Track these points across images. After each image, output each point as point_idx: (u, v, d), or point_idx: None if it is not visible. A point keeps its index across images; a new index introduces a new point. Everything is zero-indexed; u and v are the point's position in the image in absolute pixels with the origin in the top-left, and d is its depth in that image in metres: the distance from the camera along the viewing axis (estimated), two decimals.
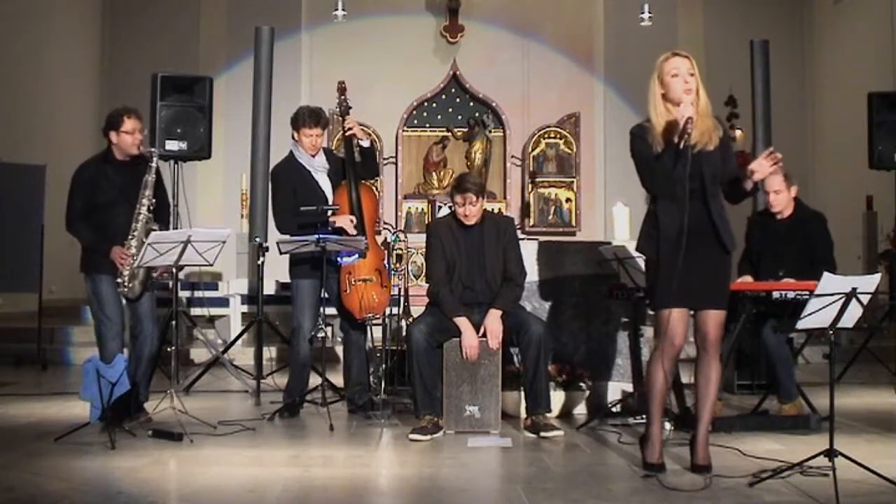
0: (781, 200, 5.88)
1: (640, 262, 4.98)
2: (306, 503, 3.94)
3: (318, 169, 6.00)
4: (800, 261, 5.70)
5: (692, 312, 4.34)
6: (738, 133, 11.29)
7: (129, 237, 5.38)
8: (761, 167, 4.19)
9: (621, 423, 5.43)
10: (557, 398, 5.74)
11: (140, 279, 5.43)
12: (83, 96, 11.93)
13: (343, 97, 6.10)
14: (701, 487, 4.01)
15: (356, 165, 6.01)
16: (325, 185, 6.00)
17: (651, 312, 5.91)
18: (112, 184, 5.47)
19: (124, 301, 5.53)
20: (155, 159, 5.50)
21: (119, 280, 5.38)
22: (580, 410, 5.89)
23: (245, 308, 8.93)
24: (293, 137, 6.01)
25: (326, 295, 5.79)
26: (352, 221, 5.86)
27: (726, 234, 4.29)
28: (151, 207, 5.47)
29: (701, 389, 4.36)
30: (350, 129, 5.97)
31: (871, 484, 3.98)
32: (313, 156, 5.98)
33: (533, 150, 11.64)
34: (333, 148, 9.62)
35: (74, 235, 5.54)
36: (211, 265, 5.58)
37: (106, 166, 5.52)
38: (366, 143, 6.05)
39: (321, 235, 5.57)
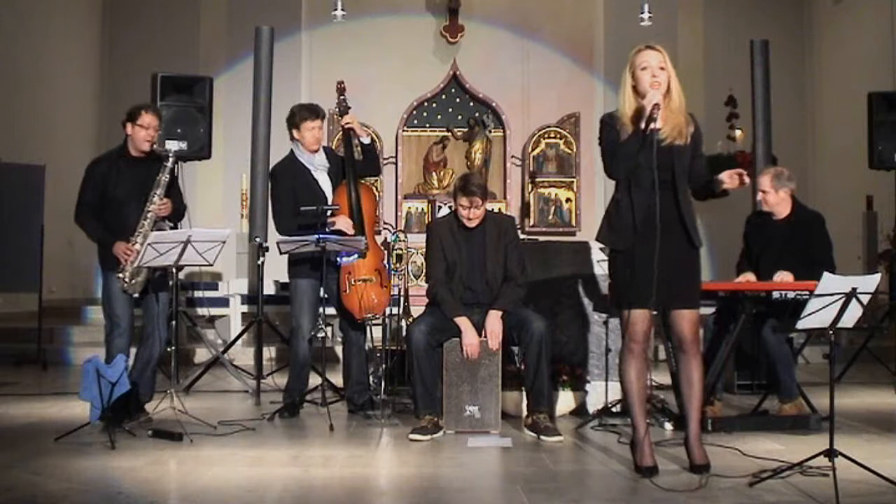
0: (769, 200, 5.89)
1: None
2: (306, 503, 3.94)
3: (318, 167, 6.01)
4: (799, 261, 5.70)
5: (654, 312, 4.33)
6: (738, 133, 11.29)
7: (136, 234, 5.39)
8: (730, 179, 4.21)
9: (621, 423, 5.43)
10: (557, 398, 5.75)
11: (143, 275, 5.43)
12: (83, 96, 11.92)
13: (342, 97, 6.10)
14: (696, 487, 4.01)
15: (356, 164, 6.01)
16: (325, 183, 6.01)
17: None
18: (124, 180, 5.48)
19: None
20: (171, 159, 5.49)
21: (120, 275, 5.39)
22: (580, 410, 5.89)
23: (245, 308, 8.93)
24: (292, 138, 6.02)
25: (325, 295, 5.80)
26: (352, 226, 5.85)
27: (693, 228, 4.28)
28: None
29: (685, 391, 4.35)
30: (348, 123, 5.97)
31: (871, 484, 3.98)
32: (315, 151, 5.98)
33: (533, 150, 11.63)
34: (334, 148, 9.61)
35: (81, 228, 5.55)
36: (211, 265, 5.59)
37: (120, 161, 5.54)
38: (366, 140, 6.05)
39: (321, 236, 5.57)
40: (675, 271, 4.20)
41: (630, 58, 4.28)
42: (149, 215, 5.41)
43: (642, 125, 4.14)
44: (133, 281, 5.41)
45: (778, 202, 5.89)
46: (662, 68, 4.21)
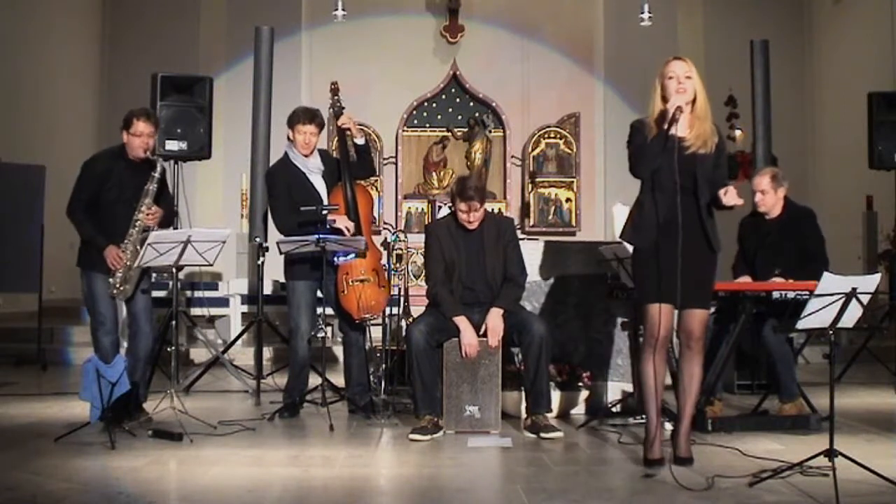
0: (767, 201, 5.90)
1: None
2: (306, 503, 3.94)
3: (313, 170, 6.00)
4: (793, 258, 5.72)
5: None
6: (738, 133, 11.29)
7: (126, 241, 5.38)
8: (728, 195, 4.32)
9: (621, 423, 5.43)
10: (557, 398, 5.75)
11: (133, 282, 5.42)
12: (83, 96, 11.93)
13: (336, 98, 6.09)
14: (703, 488, 4.01)
15: (351, 165, 6.00)
16: (320, 186, 6.00)
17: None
18: (120, 181, 5.46)
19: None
20: (159, 168, 5.46)
21: (111, 280, 5.38)
22: (580, 410, 5.90)
23: (245, 308, 8.93)
24: (288, 138, 6.03)
25: (322, 295, 5.80)
26: (349, 230, 5.85)
27: (713, 233, 4.44)
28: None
29: (685, 386, 4.50)
30: (344, 124, 5.96)
31: (871, 484, 3.98)
32: (307, 155, 5.98)
33: (533, 150, 11.63)
34: (332, 149, 9.61)
35: (73, 224, 5.52)
36: (211, 265, 5.58)
37: (118, 163, 5.51)
38: (360, 141, 6.03)
39: (321, 235, 5.57)
40: (693, 272, 4.33)
41: (661, 69, 4.45)
42: (137, 224, 5.40)
43: (665, 126, 4.29)
44: (123, 287, 5.40)
45: (775, 202, 5.91)
46: (689, 77, 4.39)
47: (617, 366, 6.03)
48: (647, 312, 4.38)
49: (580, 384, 5.90)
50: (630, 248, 4.65)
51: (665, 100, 4.38)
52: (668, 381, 4.68)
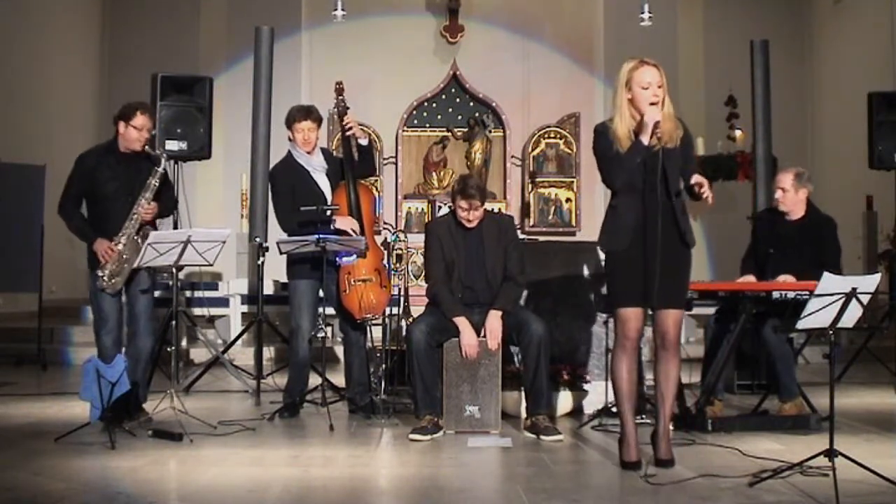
0: (787, 200, 5.84)
1: None
2: (306, 503, 3.94)
3: (317, 168, 6.01)
4: (807, 264, 5.62)
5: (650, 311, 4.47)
6: (738, 133, 11.28)
7: (120, 234, 5.37)
8: (703, 189, 4.35)
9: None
10: (557, 398, 5.75)
11: (124, 275, 5.41)
12: (83, 96, 11.92)
13: (341, 97, 6.09)
14: (674, 481, 4.01)
15: (355, 165, 6.00)
16: (324, 184, 6.01)
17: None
18: (113, 175, 5.45)
19: (124, 299, 5.53)
20: (163, 163, 5.46)
21: (100, 273, 5.37)
22: (580, 410, 5.89)
23: (245, 308, 8.93)
24: (289, 139, 6.04)
25: (323, 295, 5.80)
26: (354, 231, 5.85)
27: (687, 229, 4.43)
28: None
29: (661, 387, 4.47)
30: (349, 127, 5.97)
31: (871, 484, 3.98)
32: (309, 152, 5.98)
33: (533, 150, 11.62)
34: (333, 148, 9.61)
35: (63, 219, 5.53)
36: (211, 265, 5.59)
37: (109, 157, 5.51)
38: (364, 142, 6.04)
39: (321, 235, 5.57)
40: (667, 274, 4.31)
41: (626, 72, 4.37)
42: (134, 217, 5.40)
43: (644, 139, 4.28)
44: (113, 280, 5.39)
45: (795, 202, 5.84)
46: (660, 86, 4.34)
47: None
48: (620, 315, 4.39)
49: (580, 384, 5.90)
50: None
51: (634, 105, 4.35)
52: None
